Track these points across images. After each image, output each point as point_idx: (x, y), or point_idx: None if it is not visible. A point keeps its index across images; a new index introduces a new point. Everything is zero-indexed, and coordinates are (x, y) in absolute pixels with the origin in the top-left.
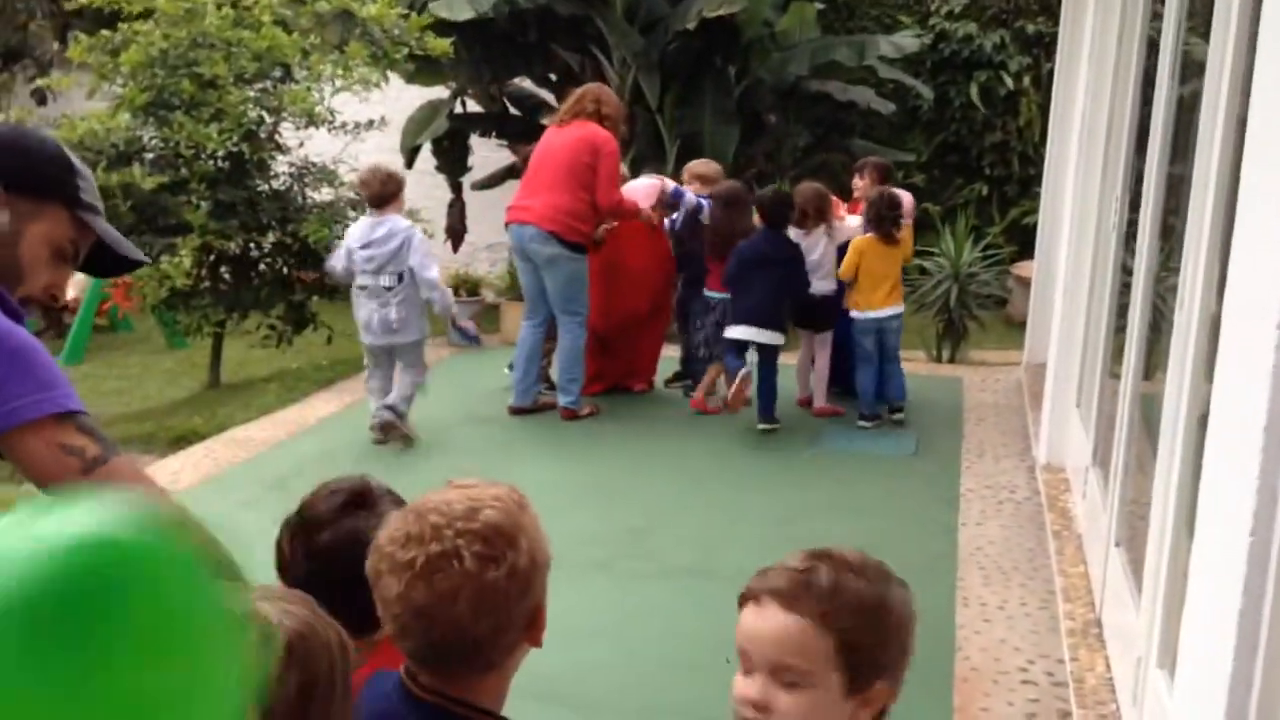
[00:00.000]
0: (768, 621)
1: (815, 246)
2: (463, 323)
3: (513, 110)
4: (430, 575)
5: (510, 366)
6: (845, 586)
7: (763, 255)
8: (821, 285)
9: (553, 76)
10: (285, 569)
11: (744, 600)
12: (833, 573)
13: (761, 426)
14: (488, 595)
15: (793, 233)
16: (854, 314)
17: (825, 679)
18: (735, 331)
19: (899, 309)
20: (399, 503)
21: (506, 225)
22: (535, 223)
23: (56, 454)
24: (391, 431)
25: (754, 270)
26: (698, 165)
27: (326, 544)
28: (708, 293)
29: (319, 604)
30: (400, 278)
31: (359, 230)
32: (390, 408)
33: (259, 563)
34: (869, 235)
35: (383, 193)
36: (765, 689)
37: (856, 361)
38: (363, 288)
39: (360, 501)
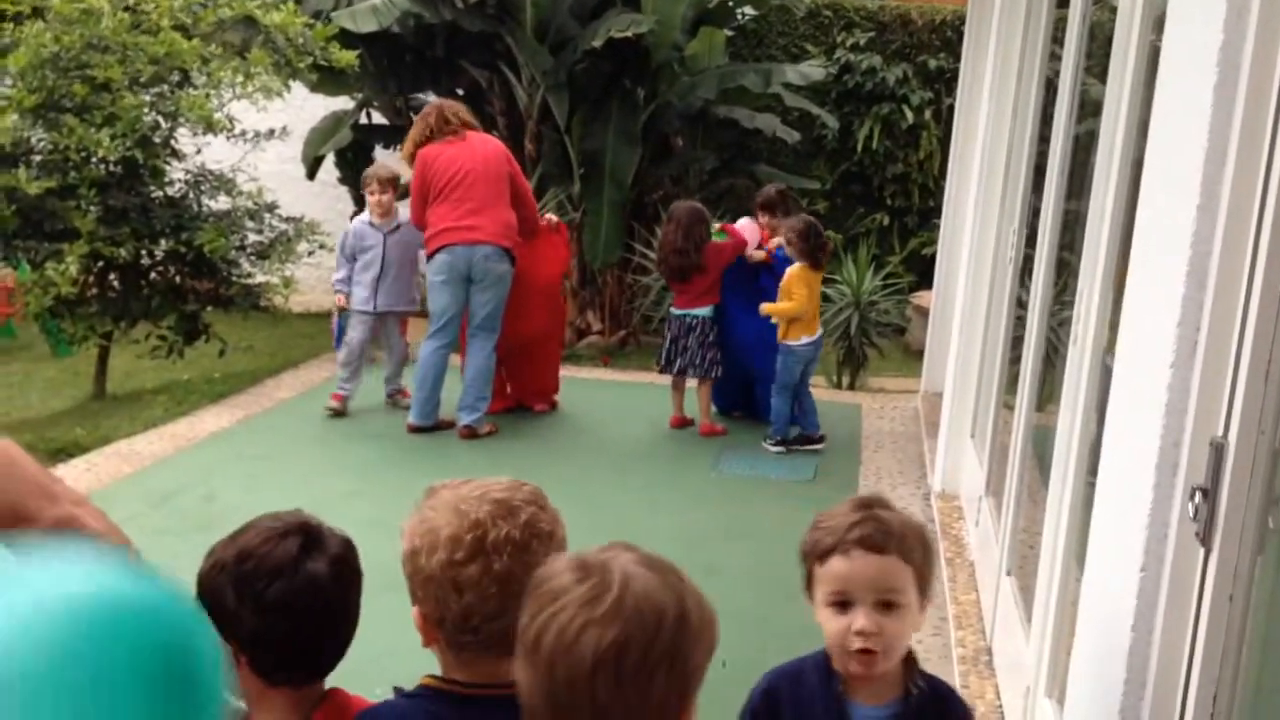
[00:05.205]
0: (865, 565)
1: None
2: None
3: None
4: (529, 543)
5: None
6: (905, 524)
7: None
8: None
9: (460, 92)
10: (226, 623)
11: (824, 554)
12: (891, 515)
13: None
14: None
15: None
16: (795, 343)
17: (912, 598)
18: None
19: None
20: (338, 537)
21: (446, 245)
22: (491, 241)
23: None
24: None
25: None
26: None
27: (280, 596)
28: (677, 311)
29: (264, 659)
30: None
31: None
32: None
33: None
34: (803, 264)
35: None
36: (871, 618)
37: (778, 387)
38: None
39: (313, 543)
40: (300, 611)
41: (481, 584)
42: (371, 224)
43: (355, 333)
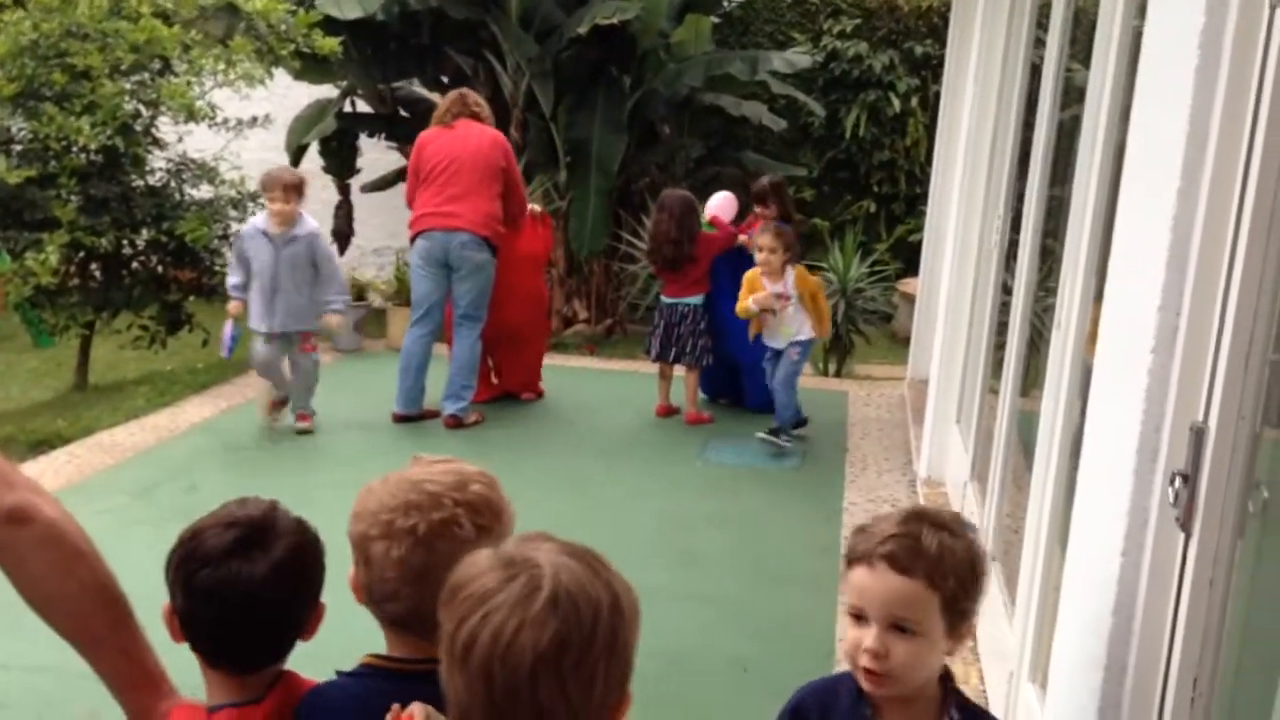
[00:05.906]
0: (884, 582)
1: None
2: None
3: (403, 112)
4: (432, 541)
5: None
6: (947, 548)
7: None
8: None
9: (445, 79)
10: (171, 592)
11: (854, 560)
12: (935, 536)
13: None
14: None
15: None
16: (815, 339)
17: (933, 627)
18: None
19: None
20: (304, 534)
21: (424, 231)
22: (468, 229)
23: None
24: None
25: None
26: None
27: (204, 583)
28: (668, 299)
29: (193, 637)
30: None
31: None
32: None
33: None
34: (800, 265)
35: None
36: (882, 639)
37: (788, 379)
38: None
39: (255, 540)
40: (223, 604)
41: (382, 564)
42: (265, 233)
43: (259, 352)
